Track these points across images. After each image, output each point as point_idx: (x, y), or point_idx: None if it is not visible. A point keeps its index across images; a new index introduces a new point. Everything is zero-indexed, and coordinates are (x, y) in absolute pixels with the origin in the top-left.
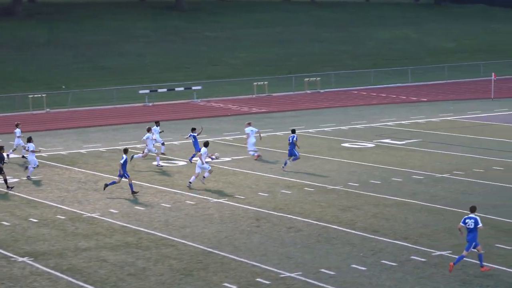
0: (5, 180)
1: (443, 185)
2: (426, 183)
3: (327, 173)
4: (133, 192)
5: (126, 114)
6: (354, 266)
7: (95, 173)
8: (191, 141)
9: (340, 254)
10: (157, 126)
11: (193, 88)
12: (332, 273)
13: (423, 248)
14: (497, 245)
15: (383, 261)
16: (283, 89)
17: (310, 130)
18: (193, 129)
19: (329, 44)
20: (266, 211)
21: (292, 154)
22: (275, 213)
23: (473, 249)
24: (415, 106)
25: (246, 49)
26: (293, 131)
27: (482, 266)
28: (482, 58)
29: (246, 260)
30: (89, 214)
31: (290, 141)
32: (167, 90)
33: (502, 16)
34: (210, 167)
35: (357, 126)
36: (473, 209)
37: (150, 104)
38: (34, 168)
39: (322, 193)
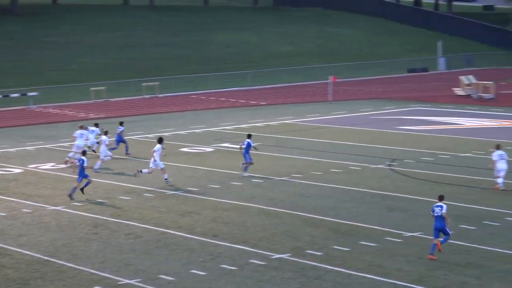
0: None
1: (282, 188)
2: (264, 186)
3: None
4: (71, 196)
5: None
6: (193, 271)
7: None
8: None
9: (179, 259)
10: (96, 127)
11: (29, 94)
12: (172, 278)
13: (262, 252)
14: (334, 246)
15: (223, 266)
16: (121, 94)
17: (148, 135)
18: (122, 123)
19: (169, 48)
20: (104, 217)
21: (245, 158)
22: (113, 219)
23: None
24: (254, 110)
25: (84, 54)
26: (249, 136)
27: (432, 252)
28: (320, 61)
29: (84, 268)
30: None
31: (245, 145)
32: (2, 96)
33: (338, 19)
34: (163, 166)
35: (196, 130)
36: (441, 198)
37: None
38: None
39: (161, 199)
